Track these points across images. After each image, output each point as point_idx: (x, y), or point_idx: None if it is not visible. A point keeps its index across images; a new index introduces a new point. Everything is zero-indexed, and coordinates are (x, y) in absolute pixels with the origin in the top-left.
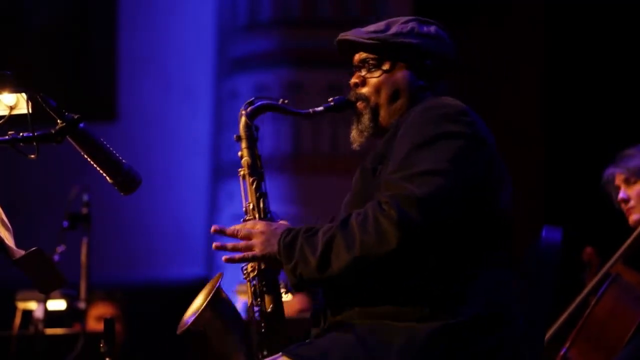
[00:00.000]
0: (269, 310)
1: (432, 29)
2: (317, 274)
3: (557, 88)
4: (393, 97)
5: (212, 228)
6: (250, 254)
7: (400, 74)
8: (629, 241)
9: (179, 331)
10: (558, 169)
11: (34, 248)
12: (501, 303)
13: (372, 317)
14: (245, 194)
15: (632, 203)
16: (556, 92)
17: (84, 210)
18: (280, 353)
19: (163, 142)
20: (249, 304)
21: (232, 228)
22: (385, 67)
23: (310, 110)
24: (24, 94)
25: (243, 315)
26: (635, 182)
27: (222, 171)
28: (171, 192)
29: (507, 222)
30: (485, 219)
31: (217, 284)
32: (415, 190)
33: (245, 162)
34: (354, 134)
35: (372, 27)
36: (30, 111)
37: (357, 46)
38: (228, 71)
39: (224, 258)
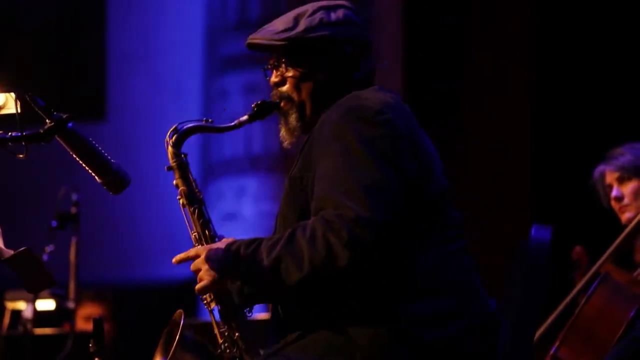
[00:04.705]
0: (237, 336)
1: (340, 13)
2: (266, 292)
3: (547, 88)
4: (315, 93)
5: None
6: (201, 284)
7: (319, 68)
8: (618, 240)
9: None
10: (547, 167)
11: (23, 248)
12: (458, 293)
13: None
14: (190, 223)
15: (625, 201)
16: (546, 92)
17: (73, 210)
18: None
19: (152, 141)
20: (215, 331)
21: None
22: (303, 64)
23: (236, 121)
24: (12, 94)
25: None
26: (628, 180)
27: (211, 170)
28: (160, 191)
29: (444, 199)
30: (425, 211)
31: (179, 328)
32: (361, 211)
33: (182, 192)
34: (283, 133)
35: (280, 25)
36: (18, 111)
37: (270, 48)
38: (217, 70)
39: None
